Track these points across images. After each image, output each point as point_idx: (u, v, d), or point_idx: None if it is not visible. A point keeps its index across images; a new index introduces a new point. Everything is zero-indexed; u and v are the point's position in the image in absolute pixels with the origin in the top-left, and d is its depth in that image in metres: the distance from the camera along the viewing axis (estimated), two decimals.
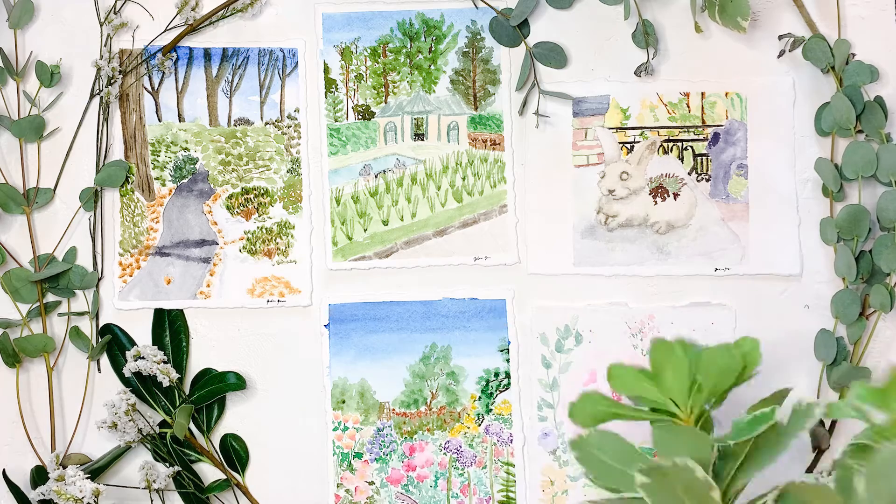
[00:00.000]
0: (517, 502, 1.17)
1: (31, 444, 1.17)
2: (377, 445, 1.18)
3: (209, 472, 1.19)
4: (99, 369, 1.19)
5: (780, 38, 1.15)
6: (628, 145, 1.17)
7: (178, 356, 1.18)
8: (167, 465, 1.15)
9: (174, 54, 1.18)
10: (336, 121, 1.18)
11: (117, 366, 1.17)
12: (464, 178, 1.18)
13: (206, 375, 1.18)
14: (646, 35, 1.14)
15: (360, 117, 1.19)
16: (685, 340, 0.89)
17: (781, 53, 1.15)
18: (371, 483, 1.18)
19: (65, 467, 1.12)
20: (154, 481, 1.13)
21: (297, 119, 1.19)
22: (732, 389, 0.90)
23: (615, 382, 0.91)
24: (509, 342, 1.17)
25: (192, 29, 1.18)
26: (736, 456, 0.89)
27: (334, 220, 1.18)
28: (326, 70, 1.18)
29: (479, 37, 1.18)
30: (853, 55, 1.13)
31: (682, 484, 0.82)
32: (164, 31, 1.18)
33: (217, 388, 1.17)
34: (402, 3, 1.18)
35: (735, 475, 0.89)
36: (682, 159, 1.17)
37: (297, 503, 1.18)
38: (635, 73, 1.16)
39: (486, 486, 1.18)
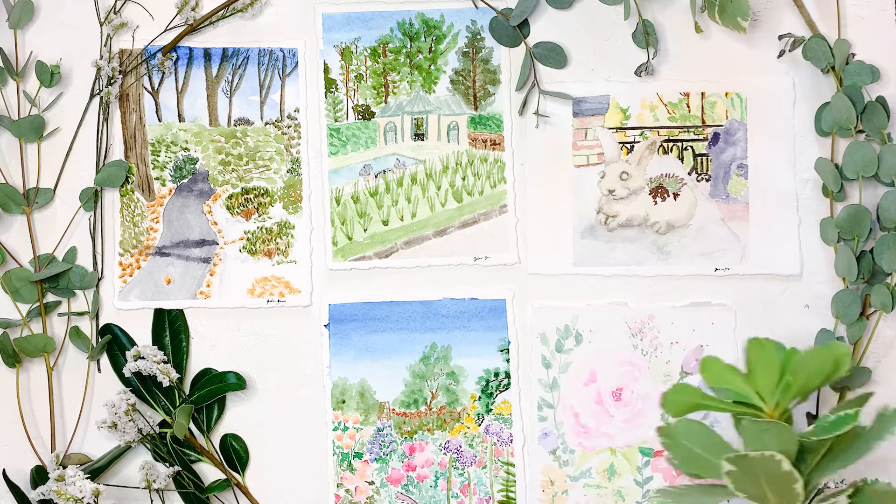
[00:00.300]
0: (517, 502, 1.17)
1: (31, 444, 1.17)
2: (377, 445, 1.18)
3: (209, 472, 1.19)
4: (99, 369, 1.19)
5: (780, 38, 1.15)
6: (628, 145, 1.17)
7: (178, 356, 1.18)
8: (167, 465, 1.15)
9: (174, 54, 1.18)
10: (336, 121, 1.18)
11: (117, 366, 1.17)
12: (464, 178, 1.18)
13: (206, 375, 1.18)
14: (646, 35, 1.14)
15: (360, 117, 1.19)
16: (776, 342, 0.93)
17: (781, 53, 1.15)
18: (371, 483, 1.18)
19: (65, 467, 1.12)
20: (154, 481, 1.13)
21: (297, 119, 1.19)
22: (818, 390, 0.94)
23: (707, 375, 0.94)
24: (509, 342, 1.17)
25: (192, 29, 1.18)
26: (815, 452, 0.91)
27: (334, 220, 1.18)
28: (326, 70, 1.18)
29: (479, 37, 1.18)
30: (853, 55, 1.13)
31: (766, 474, 0.85)
32: (164, 31, 1.18)
33: (217, 388, 1.17)
34: (402, 3, 1.18)
35: (814, 471, 0.91)
36: (682, 159, 1.17)
37: (297, 503, 1.18)
38: (635, 73, 1.16)
39: (486, 486, 1.18)
